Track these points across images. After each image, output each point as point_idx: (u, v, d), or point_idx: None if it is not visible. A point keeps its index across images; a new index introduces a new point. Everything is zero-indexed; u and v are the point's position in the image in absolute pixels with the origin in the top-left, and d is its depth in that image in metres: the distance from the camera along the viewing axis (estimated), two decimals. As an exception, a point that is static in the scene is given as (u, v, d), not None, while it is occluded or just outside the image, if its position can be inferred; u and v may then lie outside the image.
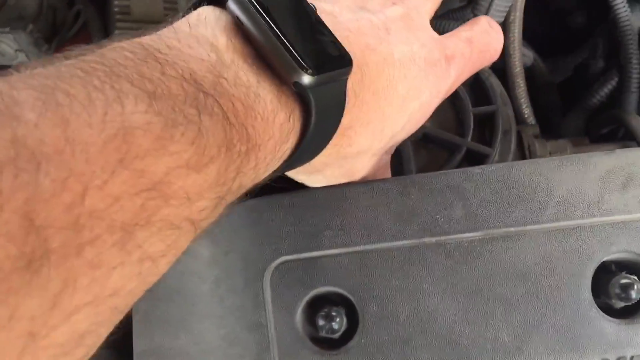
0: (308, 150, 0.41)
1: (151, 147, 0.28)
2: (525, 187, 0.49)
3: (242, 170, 0.34)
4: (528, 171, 0.49)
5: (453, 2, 0.83)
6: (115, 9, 0.75)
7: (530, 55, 0.83)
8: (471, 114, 0.62)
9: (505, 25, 0.74)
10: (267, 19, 0.35)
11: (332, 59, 0.37)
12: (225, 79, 0.33)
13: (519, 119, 0.75)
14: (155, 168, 0.28)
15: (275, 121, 0.36)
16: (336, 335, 0.49)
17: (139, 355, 0.54)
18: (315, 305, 0.50)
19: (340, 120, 0.40)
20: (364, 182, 0.50)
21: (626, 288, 0.47)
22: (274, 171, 0.41)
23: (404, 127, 0.48)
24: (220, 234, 0.53)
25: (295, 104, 0.37)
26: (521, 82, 0.74)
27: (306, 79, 0.35)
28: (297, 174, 0.50)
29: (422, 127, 0.57)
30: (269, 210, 0.51)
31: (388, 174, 0.55)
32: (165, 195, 0.28)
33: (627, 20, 0.71)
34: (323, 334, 0.49)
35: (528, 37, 0.86)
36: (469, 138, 0.61)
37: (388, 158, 0.54)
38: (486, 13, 0.69)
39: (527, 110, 0.74)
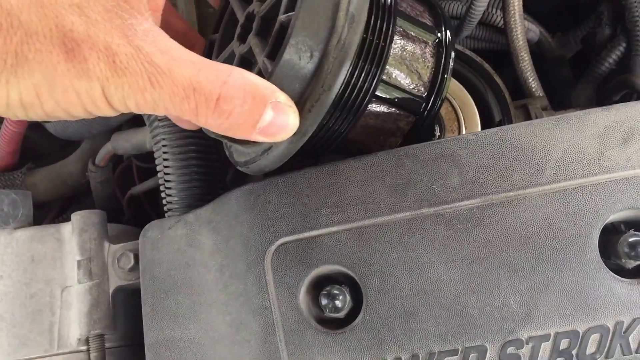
0: None
1: None
2: (522, 150, 0.48)
3: None
4: (524, 133, 0.48)
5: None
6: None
7: (536, 30, 0.81)
8: None
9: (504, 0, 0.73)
10: None
11: None
12: None
13: (527, 92, 0.73)
14: None
15: None
16: (341, 314, 0.49)
17: (150, 347, 0.54)
18: (320, 286, 0.50)
19: None
20: (357, 157, 0.50)
21: (635, 246, 0.45)
22: None
23: None
24: (221, 222, 0.54)
25: None
26: (525, 55, 0.72)
27: None
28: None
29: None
30: (265, 192, 0.51)
31: (161, 44, 0.41)
32: None
33: (630, -18, 0.69)
34: (327, 313, 0.48)
35: (535, 13, 0.84)
36: None
37: (149, 28, 0.42)
38: (483, -13, 0.68)
39: (534, 83, 0.72)
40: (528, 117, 0.68)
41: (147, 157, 0.79)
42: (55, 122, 0.75)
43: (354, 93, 0.46)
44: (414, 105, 0.51)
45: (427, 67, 0.51)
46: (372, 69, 0.46)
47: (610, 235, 0.47)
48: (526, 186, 0.47)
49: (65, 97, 0.39)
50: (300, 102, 0.43)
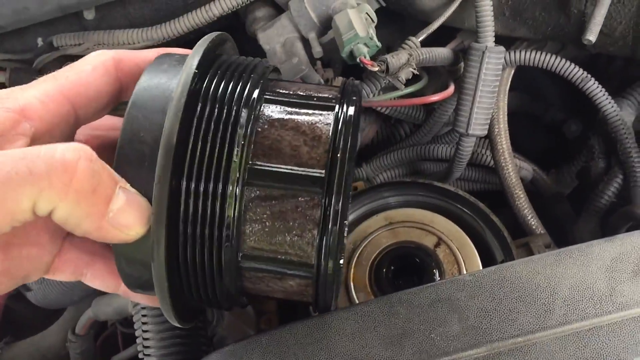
0: None
1: None
2: (525, 289, 0.43)
3: None
4: (525, 271, 0.44)
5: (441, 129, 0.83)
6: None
7: (529, 167, 0.80)
8: None
9: (491, 139, 0.72)
10: None
11: None
12: None
13: (527, 230, 0.70)
14: None
15: None
16: None
17: None
18: None
19: None
20: (346, 308, 0.45)
21: (669, 393, 0.40)
22: None
23: None
24: (200, 390, 0.48)
25: None
26: (520, 192, 0.71)
27: None
28: None
29: None
30: (247, 353, 0.46)
31: None
32: None
33: (617, 115, 0.68)
34: None
35: (526, 153, 0.84)
36: None
37: None
38: (467, 129, 0.67)
39: (533, 221, 0.70)
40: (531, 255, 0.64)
41: (132, 323, 0.74)
42: (36, 291, 0.72)
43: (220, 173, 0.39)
44: (310, 181, 0.41)
45: (320, 140, 0.42)
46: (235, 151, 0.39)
47: (639, 382, 0.42)
48: (535, 330, 0.42)
49: None
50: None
